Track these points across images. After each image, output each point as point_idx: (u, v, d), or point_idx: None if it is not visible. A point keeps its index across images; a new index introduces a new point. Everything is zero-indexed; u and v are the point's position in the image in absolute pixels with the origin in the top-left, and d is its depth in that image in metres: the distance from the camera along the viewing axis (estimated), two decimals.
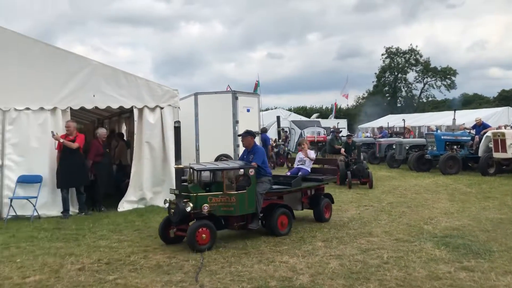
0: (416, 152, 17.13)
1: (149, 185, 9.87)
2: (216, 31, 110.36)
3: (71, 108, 9.36)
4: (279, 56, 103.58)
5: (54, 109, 9.15)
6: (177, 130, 6.79)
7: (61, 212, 8.94)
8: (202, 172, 6.90)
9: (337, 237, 6.98)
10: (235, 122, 12.58)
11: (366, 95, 62.83)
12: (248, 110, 13.03)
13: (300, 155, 8.97)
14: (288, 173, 8.78)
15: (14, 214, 8.64)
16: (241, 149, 12.59)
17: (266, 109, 40.95)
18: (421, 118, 34.35)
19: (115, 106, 9.74)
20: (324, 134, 27.17)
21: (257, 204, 6.83)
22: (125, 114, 13.79)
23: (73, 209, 9.19)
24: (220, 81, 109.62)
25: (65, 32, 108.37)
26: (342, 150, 14.00)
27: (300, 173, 8.49)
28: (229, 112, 12.59)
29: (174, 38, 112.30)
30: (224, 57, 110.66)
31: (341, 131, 18.80)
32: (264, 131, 17.11)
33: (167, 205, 6.69)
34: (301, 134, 26.04)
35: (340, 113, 48.78)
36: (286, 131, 21.34)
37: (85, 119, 17.38)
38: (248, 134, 7.56)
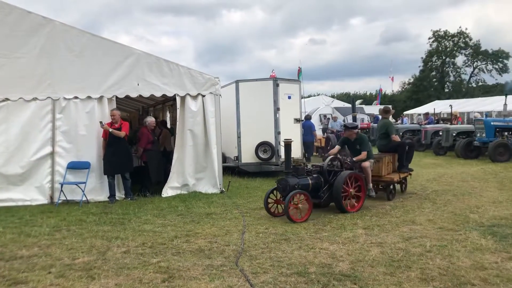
0: (464, 138, 16.58)
1: (191, 171, 10.07)
2: (257, 18, 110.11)
3: (116, 97, 9.64)
4: (322, 41, 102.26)
5: (101, 97, 9.45)
6: None
7: (108, 197, 9.28)
8: None
9: (379, 225, 6.89)
10: (276, 109, 12.57)
11: (412, 80, 61.11)
12: (289, 97, 12.97)
13: None
14: None
15: (65, 198, 9.07)
16: (282, 136, 12.70)
17: (309, 96, 40.61)
18: (470, 104, 33.17)
19: (158, 94, 9.93)
20: (368, 121, 26.64)
21: None
22: (169, 102, 14.08)
23: (120, 194, 9.51)
24: (262, 68, 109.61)
25: (111, 22, 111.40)
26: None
27: None
28: (270, 99, 12.59)
29: (216, 26, 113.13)
30: (265, 43, 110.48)
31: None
32: (308, 118, 17.11)
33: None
34: (344, 120, 25.67)
35: (385, 99, 47.67)
36: (329, 118, 21.07)
37: (130, 107, 17.88)
38: None
